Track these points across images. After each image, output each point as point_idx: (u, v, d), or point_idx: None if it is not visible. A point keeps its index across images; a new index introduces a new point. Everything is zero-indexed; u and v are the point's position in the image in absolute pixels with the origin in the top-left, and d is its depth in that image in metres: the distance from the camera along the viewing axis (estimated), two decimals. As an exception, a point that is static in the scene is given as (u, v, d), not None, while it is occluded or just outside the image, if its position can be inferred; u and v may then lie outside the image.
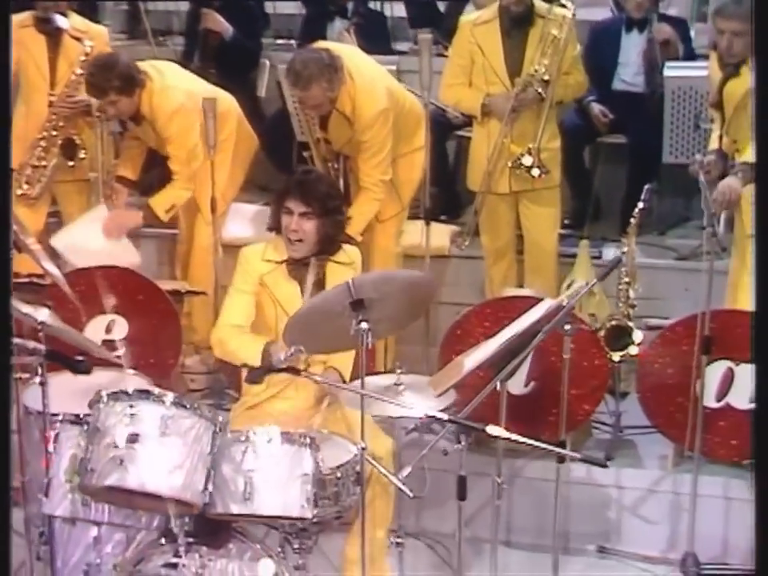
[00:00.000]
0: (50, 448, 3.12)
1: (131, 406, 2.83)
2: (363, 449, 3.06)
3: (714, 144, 4.31)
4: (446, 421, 2.76)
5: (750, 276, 4.30)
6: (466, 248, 4.90)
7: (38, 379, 3.12)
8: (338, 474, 3.12)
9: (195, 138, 4.54)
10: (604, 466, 3.05)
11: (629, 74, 5.40)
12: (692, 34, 5.89)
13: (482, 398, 3.00)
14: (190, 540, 3.04)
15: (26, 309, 3.18)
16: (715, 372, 4.03)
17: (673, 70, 4.99)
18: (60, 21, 4.79)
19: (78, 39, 4.77)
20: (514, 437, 2.74)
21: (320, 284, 3.60)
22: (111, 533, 3.32)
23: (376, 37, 5.74)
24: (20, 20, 4.86)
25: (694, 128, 4.96)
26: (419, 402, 3.20)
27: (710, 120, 4.45)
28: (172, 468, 2.81)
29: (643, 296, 4.42)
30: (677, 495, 4.16)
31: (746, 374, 4.04)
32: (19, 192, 4.82)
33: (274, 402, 3.54)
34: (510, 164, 4.62)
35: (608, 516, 4.23)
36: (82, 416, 3.10)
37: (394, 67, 5.11)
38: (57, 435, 3.12)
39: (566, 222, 5.14)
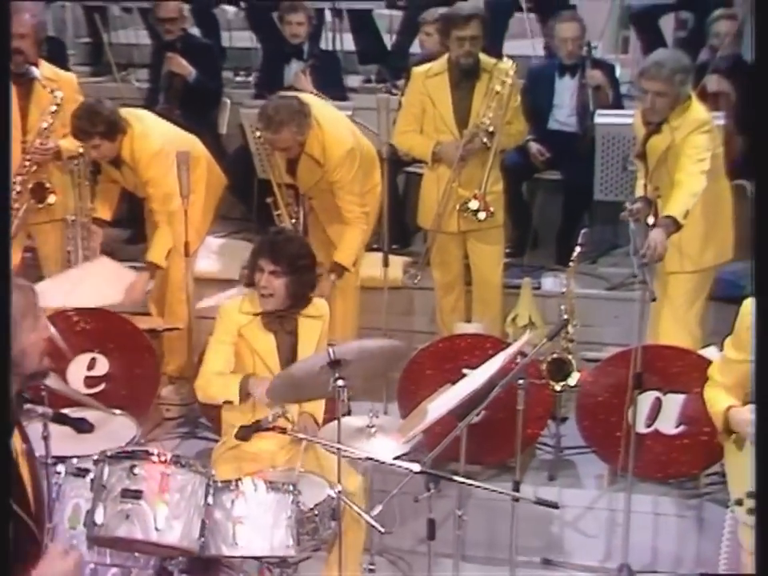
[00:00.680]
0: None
1: (133, 466, 2.93)
2: (339, 492, 3.21)
3: (639, 191, 4.48)
4: (417, 472, 2.96)
5: (670, 308, 4.53)
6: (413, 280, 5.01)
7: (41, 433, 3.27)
8: (316, 512, 3.27)
9: (173, 180, 4.61)
10: (556, 507, 3.24)
11: (563, 115, 5.56)
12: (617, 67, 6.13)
13: (445, 444, 3.22)
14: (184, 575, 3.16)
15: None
16: (645, 401, 4.20)
17: (603, 118, 5.13)
18: (33, 72, 4.82)
19: (50, 91, 4.78)
20: (477, 484, 2.97)
21: (293, 334, 3.72)
22: (107, 568, 3.35)
23: (330, 77, 5.81)
24: None
25: (622, 169, 5.09)
26: (389, 444, 3.37)
27: (635, 164, 4.64)
28: (171, 520, 2.92)
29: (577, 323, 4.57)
30: (612, 511, 4.30)
31: (671, 403, 4.26)
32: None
33: (254, 442, 3.56)
34: (458, 207, 4.76)
35: (551, 531, 4.33)
36: (83, 468, 3.15)
37: (350, 112, 5.22)
38: (59, 486, 3.18)
39: (507, 251, 5.25)
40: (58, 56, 6.03)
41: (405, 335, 5.05)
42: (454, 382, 4.00)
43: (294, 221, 4.85)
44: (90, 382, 4.47)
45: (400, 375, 4.35)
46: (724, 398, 3.17)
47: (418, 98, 4.82)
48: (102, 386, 4.49)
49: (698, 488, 4.37)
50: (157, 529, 2.91)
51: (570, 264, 4.41)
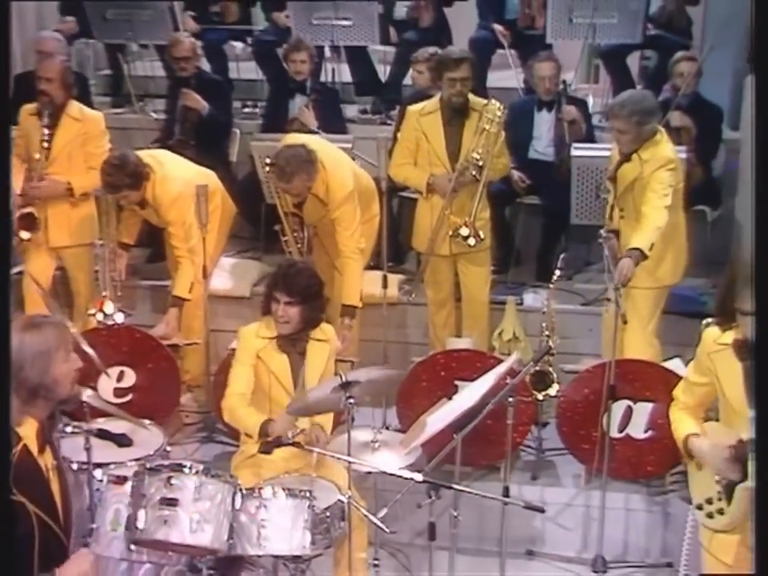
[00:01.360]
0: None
1: (170, 477, 3.06)
2: (350, 497, 3.36)
3: (608, 215, 4.63)
4: (420, 482, 3.09)
5: (636, 319, 4.57)
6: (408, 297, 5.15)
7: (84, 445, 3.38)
8: (328, 514, 3.37)
9: (191, 219, 4.72)
10: (542, 511, 3.33)
11: (541, 146, 5.65)
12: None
13: (444, 454, 3.35)
14: (212, 572, 3.28)
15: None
16: (617, 409, 4.30)
17: (578, 151, 5.24)
18: None
19: None
20: (474, 492, 3.12)
21: (304, 355, 3.81)
22: (142, 565, 3.46)
23: (330, 110, 5.88)
24: (27, 109, 5.03)
25: (595, 197, 5.22)
26: (392, 456, 3.48)
27: (607, 190, 4.73)
28: (204, 524, 3.05)
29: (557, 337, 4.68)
30: (588, 507, 4.38)
31: (641, 411, 4.37)
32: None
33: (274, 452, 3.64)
34: (450, 233, 4.84)
35: (534, 525, 4.37)
36: (121, 476, 3.27)
37: (349, 145, 5.32)
38: (101, 492, 3.30)
39: (492, 268, 5.31)
40: (80, 90, 6.08)
41: (400, 346, 5.21)
42: (447, 394, 4.21)
43: (299, 245, 4.93)
44: (119, 392, 4.57)
45: (399, 386, 4.41)
46: (686, 422, 3.19)
47: (412, 134, 4.90)
48: (130, 396, 4.60)
49: (664, 486, 4.46)
50: (191, 532, 3.04)
51: (551, 285, 4.55)
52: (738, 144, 5.97)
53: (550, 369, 4.43)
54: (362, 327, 5.03)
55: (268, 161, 4.76)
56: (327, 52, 6.68)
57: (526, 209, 5.68)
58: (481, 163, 4.78)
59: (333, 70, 6.53)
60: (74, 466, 3.57)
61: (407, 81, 6.39)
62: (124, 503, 3.23)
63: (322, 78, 6.34)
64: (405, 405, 4.45)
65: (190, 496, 3.06)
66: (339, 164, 4.74)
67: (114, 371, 4.52)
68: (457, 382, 4.40)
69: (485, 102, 4.85)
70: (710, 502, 3.13)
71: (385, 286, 4.77)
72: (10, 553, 2.31)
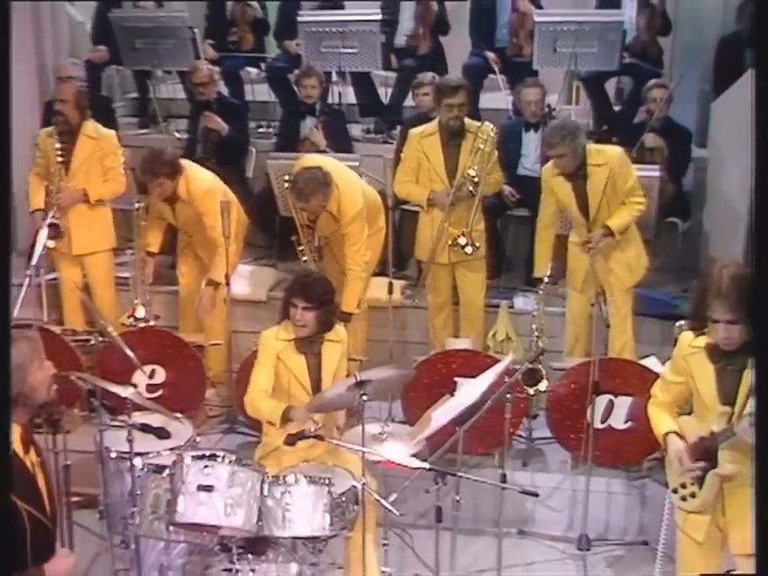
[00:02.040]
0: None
1: (206, 466, 3.17)
2: (364, 484, 3.46)
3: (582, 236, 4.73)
4: (428, 469, 3.20)
5: (619, 318, 4.77)
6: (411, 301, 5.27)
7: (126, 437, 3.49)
8: (343, 498, 3.47)
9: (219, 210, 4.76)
10: (536, 495, 3.45)
11: (529, 163, 5.67)
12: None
13: (448, 445, 3.45)
14: (241, 550, 3.35)
15: (114, 388, 3.50)
16: (601, 403, 4.35)
17: None
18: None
19: None
20: (475, 478, 3.23)
21: (319, 356, 3.88)
22: (177, 544, 3.60)
23: (338, 131, 5.95)
24: (45, 131, 5.12)
25: None
26: (398, 447, 3.58)
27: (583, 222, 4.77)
28: (236, 509, 3.16)
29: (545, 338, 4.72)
30: (574, 491, 4.43)
31: (621, 404, 4.41)
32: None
33: None
34: (449, 243, 4.90)
35: (525, 507, 4.46)
36: (160, 465, 3.43)
37: (357, 163, 5.38)
38: (140, 479, 3.44)
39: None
40: (106, 111, 6.22)
41: (401, 345, 5.26)
42: (447, 390, 4.28)
43: (313, 254, 4.99)
44: (151, 388, 4.63)
45: (405, 385, 4.41)
46: (664, 419, 3.24)
47: (414, 154, 4.96)
48: (160, 392, 4.65)
49: (641, 471, 4.49)
50: (225, 515, 3.15)
51: (540, 291, 4.65)
52: (705, 162, 6.07)
53: (540, 366, 4.48)
54: (369, 328, 5.10)
55: (287, 178, 4.81)
56: (334, 76, 6.74)
57: (516, 220, 5.72)
58: (476, 179, 4.85)
59: (339, 94, 6.58)
60: (113, 455, 3.66)
61: (407, 102, 6.46)
62: (162, 489, 3.36)
63: (330, 101, 6.40)
64: (408, 399, 4.52)
65: (224, 483, 3.17)
66: (350, 184, 4.81)
67: (147, 369, 4.57)
68: (456, 379, 4.45)
69: (479, 124, 4.92)
70: (683, 486, 3.21)
71: (390, 291, 4.84)
72: (7, 550, 2.39)
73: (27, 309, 4.78)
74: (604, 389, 4.32)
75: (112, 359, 4.42)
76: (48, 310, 5.25)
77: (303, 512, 3.31)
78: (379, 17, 6.22)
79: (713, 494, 3.13)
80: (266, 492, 3.28)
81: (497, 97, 6.73)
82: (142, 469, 3.44)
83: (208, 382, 5.03)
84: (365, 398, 3.37)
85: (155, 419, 3.82)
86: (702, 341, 3.09)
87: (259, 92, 7.03)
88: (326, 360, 3.89)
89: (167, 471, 3.37)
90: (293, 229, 5.01)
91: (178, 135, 6.41)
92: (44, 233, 4.42)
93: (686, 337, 3.15)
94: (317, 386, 3.87)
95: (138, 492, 3.42)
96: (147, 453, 3.61)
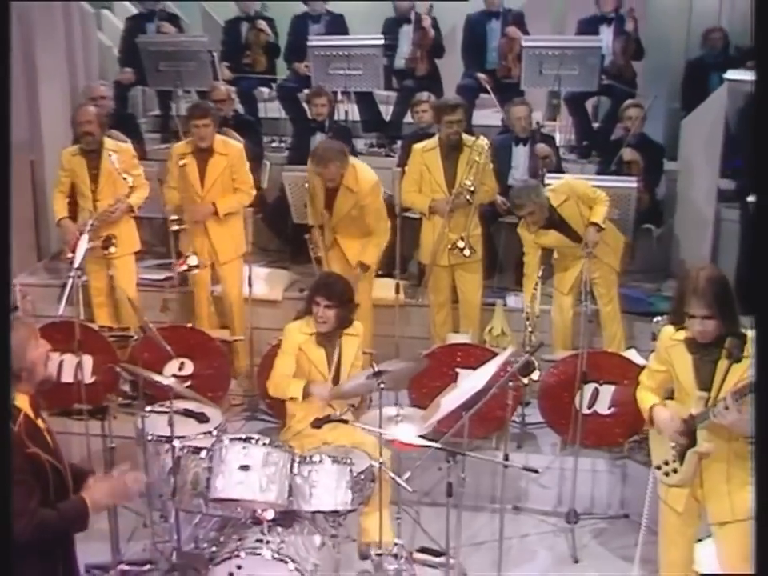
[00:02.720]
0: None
1: (244, 447, 3.28)
2: (381, 463, 3.56)
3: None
4: (440, 449, 3.30)
5: (611, 306, 4.96)
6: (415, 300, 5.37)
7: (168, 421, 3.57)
8: (362, 476, 3.59)
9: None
10: (536, 472, 3.55)
11: (519, 174, 5.70)
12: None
13: (456, 428, 3.56)
14: (271, 524, 3.46)
15: (156, 377, 3.60)
16: (587, 390, 4.43)
17: (550, 180, 5.28)
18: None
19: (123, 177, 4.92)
20: (482, 457, 3.35)
21: (338, 348, 3.98)
22: (212, 517, 3.76)
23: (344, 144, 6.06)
24: (69, 151, 5.17)
25: None
26: (411, 428, 3.66)
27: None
28: (271, 486, 3.27)
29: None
30: (563, 470, 4.50)
31: (605, 392, 4.49)
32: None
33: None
34: (449, 246, 5.00)
35: (519, 485, 4.52)
36: (198, 447, 3.53)
37: None
38: (179, 459, 3.54)
39: None
40: (132, 127, 6.33)
41: (405, 340, 5.22)
42: (450, 380, 4.35)
43: (328, 248, 5.06)
44: (180, 380, 4.56)
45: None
46: (650, 397, 3.35)
47: (417, 167, 5.07)
48: (189, 383, 4.65)
49: (622, 452, 4.56)
50: (261, 491, 3.25)
51: (534, 290, 4.76)
52: (675, 174, 6.19)
53: (533, 359, 4.53)
54: (376, 325, 5.18)
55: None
56: (339, 95, 6.84)
57: (507, 227, 5.76)
58: (472, 188, 4.94)
59: (346, 111, 6.63)
60: (150, 438, 3.74)
61: (406, 119, 6.56)
62: (201, 468, 3.46)
63: (336, 117, 6.48)
64: (414, 387, 4.59)
65: (260, 462, 3.27)
66: (364, 165, 4.96)
67: (177, 362, 4.65)
68: (457, 370, 4.54)
69: (474, 138, 5.02)
70: (666, 463, 3.32)
71: (398, 291, 4.94)
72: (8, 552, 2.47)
73: (54, 306, 4.89)
74: (590, 378, 4.40)
75: (145, 353, 4.47)
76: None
77: (328, 488, 3.41)
78: (381, 42, 6.30)
79: (692, 469, 3.25)
80: (295, 470, 3.38)
81: (487, 114, 6.83)
82: (182, 450, 3.53)
83: (232, 374, 5.08)
84: (382, 386, 3.48)
85: (190, 406, 3.91)
86: (682, 334, 3.20)
87: (271, 109, 7.10)
88: (345, 352, 3.99)
89: (204, 452, 3.48)
90: (302, 234, 5.11)
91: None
92: (85, 239, 4.46)
93: (668, 330, 3.27)
94: (335, 375, 3.97)
95: (179, 471, 3.51)
96: (183, 436, 3.69)
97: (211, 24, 7.72)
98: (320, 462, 3.46)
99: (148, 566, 3.87)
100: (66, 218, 5.20)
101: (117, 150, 5.12)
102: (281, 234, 5.96)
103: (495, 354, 4.11)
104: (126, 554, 3.86)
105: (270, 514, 3.40)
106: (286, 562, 3.34)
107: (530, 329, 4.61)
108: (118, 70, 7.00)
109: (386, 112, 6.89)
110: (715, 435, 3.17)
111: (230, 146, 5.19)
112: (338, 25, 6.87)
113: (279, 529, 3.47)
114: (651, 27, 6.97)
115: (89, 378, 4.56)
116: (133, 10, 7.71)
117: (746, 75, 5.76)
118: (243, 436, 3.35)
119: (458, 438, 3.60)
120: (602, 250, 4.84)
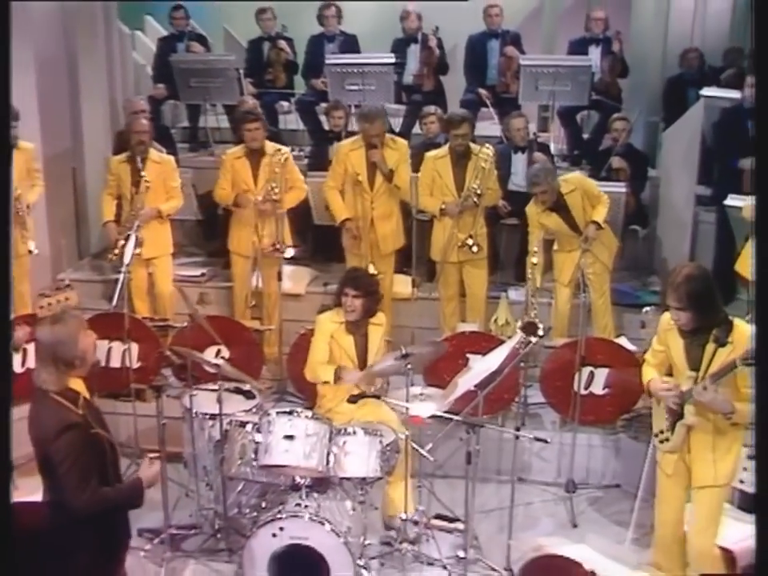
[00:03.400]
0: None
1: (289, 420, 3.42)
2: (407, 435, 3.71)
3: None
4: (459, 421, 3.48)
5: (603, 299, 5.08)
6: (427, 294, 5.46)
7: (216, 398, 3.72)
8: (389, 448, 3.72)
9: None
10: (547, 441, 3.68)
11: (518, 180, 5.79)
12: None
13: (472, 405, 3.74)
14: (308, 489, 3.61)
15: (206, 358, 3.76)
16: (584, 373, 4.50)
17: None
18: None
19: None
20: (499, 428, 3.51)
21: (365, 336, 4.10)
22: (254, 484, 3.86)
23: None
24: (117, 159, 5.28)
25: None
26: (433, 405, 3.80)
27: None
28: (313, 454, 3.41)
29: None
30: (562, 445, 4.58)
31: (600, 374, 4.57)
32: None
33: (342, 405, 4.01)
34: (458, 244, 5.12)
35: (523, 458, 4.59)
36: (244, 421, 3.65)
37: None
38: (227, 432, 3.67)
39: None
40: (167, 138, 6.45)
41: (419, 330, 5.40)
42: (461, 363, 4.43)
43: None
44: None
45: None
46: (650, 372, 3.51)
47: (430, 174, 5.18)
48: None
49: (615, 428, 4.67)
50: (304, 458, 3.39)
51: (537, 285, 4.85)
52: (657, 180, 6.35)
53: (537, 320, 4.57)
54: (393, 316, 5.29)
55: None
56: (353, 108, 6.96)
57: (508, 228, 5.90)
58: (479, 192, 5.06)
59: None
60: (195, 413, 3.87)
61: (415, 130, 6.67)
62: (247, 440, 3.59)
63: (350, 128, 6.63)
64: (429, 370, 4.68)
65: (303, 433, 3.41)
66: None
67: (214, 349, 4.73)
68: (467, 355, 4.63)
69: (480, 146, 5.15)
70: (661, 431, 3.50)
71: (414, 286, 5.09)
72: (10, 553, 2.57)
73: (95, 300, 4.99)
74: (587, 362, 4.50)
75: (186, 340, 4.58)
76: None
77: (360, 456, 3.55)
78: (393, 60, 6.41)
79: (680, 439, 3.43)
80: (332, 440, 3.52)
81: (485, 126, 6.95)
82: (230, 423, 3.66)
83: (263, 360, 5.16)
84: (409, 367, 3.64)
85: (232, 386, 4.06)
86: (676, 321, 3.35)
87: (290, 121, 7.22)
88: (371, 339, 4.12)
89: (250, 425, 3.62)
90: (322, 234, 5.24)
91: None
92: (133, 240, 4.61)
93: (666, 316, 3.43)
94: (363, 360, 4.10)
95: (227, 443, 3.64)
96: (227, 413, 3.82)
97: (233, 44, 7.85)
98: (354, 433, 3.60)
99: (194, 531, 4.01)
100: (112, 221, 5.32)
101: (160, 161, 5.23)
102: (303, 234, 6.05)
103: (501, 342, 4.28)
104: (173, 520, 3.97)
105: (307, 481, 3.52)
106: (323, 524, 3.47)
107: (531, 295, 4.67)
108: (152, 86, 7.12)
109: (396, 124, 7.00)
110: (700, 410, 3.34)
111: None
112: (351, 44, 6.98)
113: (315, 495, 3.60)
114: (632, 48, 7.14)
115: (135, 364, 4.70)
116: (163, 31, 7.83)
117: (720, 92, 5.95)
118: (288, 409, 3.50)
119: (472, 416, 3.75)
120: (597, 248, 5.00)
